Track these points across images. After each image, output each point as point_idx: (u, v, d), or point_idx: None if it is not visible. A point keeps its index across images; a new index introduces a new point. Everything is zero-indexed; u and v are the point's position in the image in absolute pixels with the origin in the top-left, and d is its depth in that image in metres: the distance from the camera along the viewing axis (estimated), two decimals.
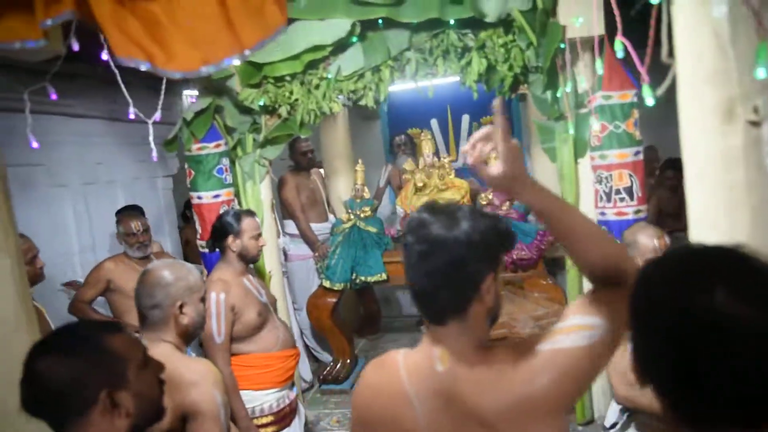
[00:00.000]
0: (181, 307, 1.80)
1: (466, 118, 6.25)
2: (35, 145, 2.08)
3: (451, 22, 3.08)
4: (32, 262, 2.82)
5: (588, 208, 3.17)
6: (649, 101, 1.54)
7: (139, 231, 3.44)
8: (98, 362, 1.18)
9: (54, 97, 2.23)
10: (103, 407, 1.16)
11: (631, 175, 2.89)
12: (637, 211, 2.94)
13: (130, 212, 3.58)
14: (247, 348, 2.70)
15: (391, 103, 5.98)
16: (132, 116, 2.52)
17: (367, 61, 3.22)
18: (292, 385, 2.90)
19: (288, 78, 3.31)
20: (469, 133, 6.34)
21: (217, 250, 2.86)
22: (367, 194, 4.30)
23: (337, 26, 3.06)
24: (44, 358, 1.16)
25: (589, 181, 3.17)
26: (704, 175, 1.28)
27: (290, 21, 3.11)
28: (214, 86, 3.21)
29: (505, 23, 3.08)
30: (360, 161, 4.39)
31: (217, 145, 3.32)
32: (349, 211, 4.23)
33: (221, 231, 2.80)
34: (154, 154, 2.55)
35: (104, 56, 1.69)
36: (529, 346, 1.10)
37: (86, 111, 4.54)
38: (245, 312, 2.65)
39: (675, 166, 4.55)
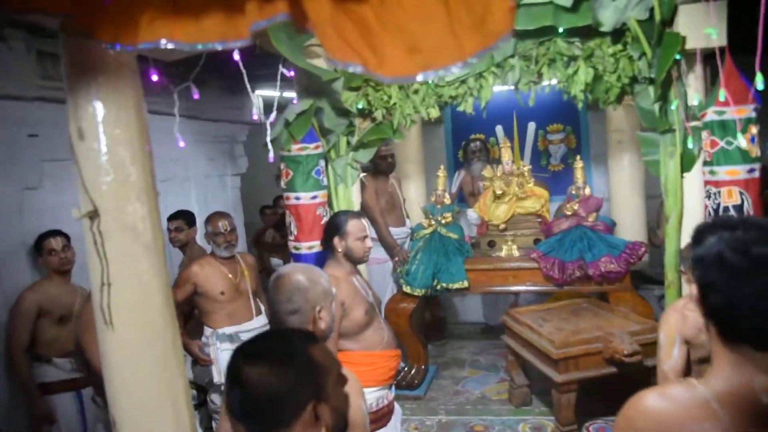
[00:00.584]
0: (319, 311, 1.80)
1: (531, 126, 6.18)
2: (182, 144, 2.10)
3: (560, 30, 3.04)
4: None
5: (693, 222, 3.10)
6: None
7: (227, 230, 3.46)
8: (308, 373, 1.17)
9: (196, 96, 2.27)
10: (307, 419, 1.15)
11: (742, 193, 2.81)
12: None
13: (218, 212, 3.62)
14: (352, 345, 2.70)
15: (454, 108, 5.96)
16: (255, 117, 2.55)
17: (471, 67, 3.19)
18: (391, 385, 2.89)
19: None
20: (535, 141, 6.28)
21: (326, 249, 2.88)
22: (447, 200, 4.28)
23: None
24: (256, 366, 1.15)
25: (694, 196, 3.10)
26: None
27: None
28: (315, 88, 3.22)
29: (615, 32, 3.03)
30: (442, 167, 4.38)
31: (316, 147, 3.33)
32: (430, 216, 4.21)
33: (328, 231, 2.83)
34: (271, 154, 2.58)
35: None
36: None
37: (166, 108, 4.61)
38: (353, 309, 2.66)
39: None
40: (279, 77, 2.79)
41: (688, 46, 2.84)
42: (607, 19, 2.88)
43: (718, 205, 2.85)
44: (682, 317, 2.58)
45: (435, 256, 4.02)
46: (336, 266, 2.76)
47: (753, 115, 2.80)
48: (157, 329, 1.95)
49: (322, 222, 3.35)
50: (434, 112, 3.43)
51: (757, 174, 2.84)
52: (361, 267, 4.40)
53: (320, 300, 1.82)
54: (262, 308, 3.64)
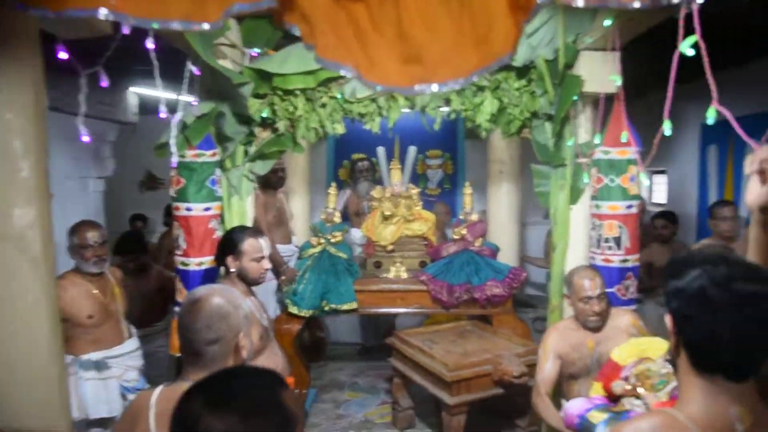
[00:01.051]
0: (241, 338, 1.63)
1: (412, 150, 6.31)
2: (86, 139, 1.79)
3: None
4: None
5: (578, 251, 3.33)
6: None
7: (97, 243, 3.04)
8: (283, 426, 1.02)
9: (104, 84, 1.96)
10: None
11: (620, 227, 3.08)
12: (624, 260, 3.13)
13: (86, 221, 3.16)
14: None
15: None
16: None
17: (468, 85, 3.16)
18: None
19: (297, 92, 3.16)
20: (414, 165, 6.43)
21: (219, 266, 2.67)
22: (338, 218, 4.18)
23: None
24: (224, 417, 0.98)
25: (580, 226, 3.34)
26: None
27: None
28: (220, 91, 2.97)
29: (521, 69, 3.19)
30: (333, 184, 4.28)
31: (213, 154, 3.06)
32: (320, 234, 4.08)
33: (222, 248, 2.63)
34: (175, 158, 2.32)
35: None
36: None
37: None
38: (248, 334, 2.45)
39: (666, 216, 4.63)
40: (187, 75, 2.52)
41: (585, 89, 3.07)
42: (520, 56, 3.02)
43: (600, 235, 3.10)
44: (559, 335, 2.79)
45: (324, 275, 3.90)
46: (228, 286, 2.54)
47: (634, 156, 3.08)
48: (41, 362, 1.61)
49: (214, 236, 3.09)
50: (340, 129, 3.34)
51: (634, 210, 3.12)
52: None
53: (242, 326, 1.63)
54: (133, 331, 3.25)
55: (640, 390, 2.19)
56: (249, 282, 2.60)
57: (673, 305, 1.12)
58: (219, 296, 1.63)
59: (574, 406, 2.39)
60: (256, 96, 3.14)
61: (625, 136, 2.45)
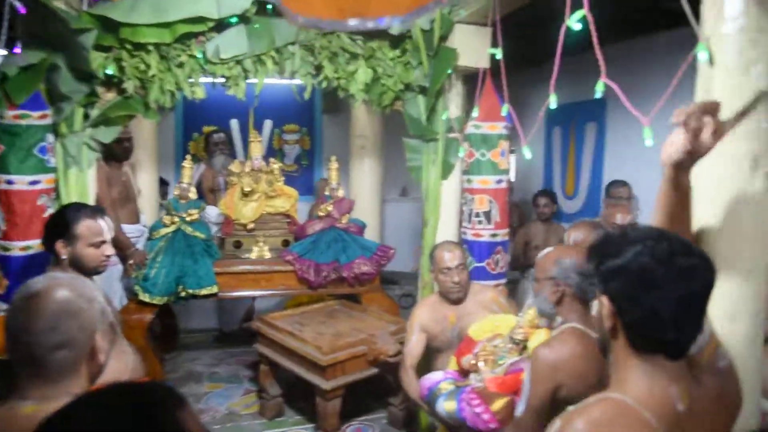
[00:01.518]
0: (97, 340, 1.32)
1: (268, 123, 6.01)
2: None
3: None
4: None
5: (449, 226, 3.35)
6: (648, 142, 1.72)
7: None
8: None
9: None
10: None
11: (491, 201, 3.14)
12: (493, 235, 3.20)
13: None
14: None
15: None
16: None
17: (251, 47, 2.86)
18: None
19: (150, 48, 2.74)
20: (270, 139, 6.11)
21: (48, 252, 2.21)
22: (193, 194, 3.79)
23: (231, 0, 2.66)
24: None
25: (451, 201, 3.35)
26: (728, 218, 1.47)
27: None
28: (53, 38, 2.46)
29: (395, 38, 3.09)
30: (188, 157, 3.86)
31: (43, 116, 2.56)
32: (174, 212, 3.66)
33: (50, 230, 2.16)
34: None
35: None
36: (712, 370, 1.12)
37: None
38: None
39: (549, 195, 4.53)
40: (6, 13, 2.02)
41: (459, 63, 3.05)
42: (396, 23, 2.89)
43: (471, 210, 3.14)
44: (426, 310, 2.79)
45: (179, 258, 3.50)
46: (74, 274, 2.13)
47: (504, 132, 3.15)
48: None
49: (45, 215, 2.60)
50: (200, 92, 2.97)
51: (504, 185, 3.20)
52: None
53: (97, 323, 1.31)
54: None
55: (480, 364, 2.23)
56: (86, 272, 2.12)
57: (613, 285, 1.07)
58: (66, 288, 1.28)
59: (428, 378, 2.39)
60: (99, 48, 2.66)
61: (506, 109, 2.45)
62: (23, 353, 1.25)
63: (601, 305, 1.10)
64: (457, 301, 2.69)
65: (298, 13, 0.99)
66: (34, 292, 1.27)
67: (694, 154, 1.15)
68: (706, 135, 1.11)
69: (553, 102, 2.12)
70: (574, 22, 1.97)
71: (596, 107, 4.80)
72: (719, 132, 1.12)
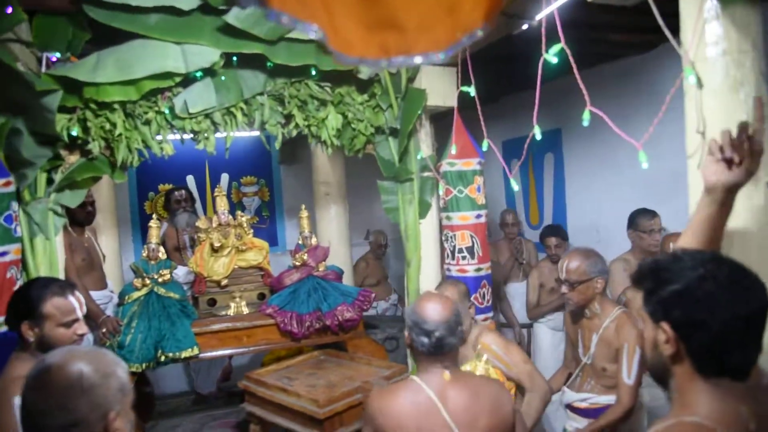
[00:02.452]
0: (113, 419, 1.21)
1: (225, 177, 5.92)
2: None
3: (313, 72, 2.96)
4: None
5: (430, 264, 3.34)
6: (645, 165, 1.78)
7: None
8: None
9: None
10: None
11: (472, 236, 3.16)
12: (478, 269, 3.21)
13: None
14: None
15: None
16: None
17: (219, 99, 2.83)
18: None
19: (116, 106, 2.66)
20: (228, 193, 6.00)
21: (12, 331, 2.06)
22: (163, 255, 3.64)
23: (199, 54, 2.63)
24: None
25: (429, 240, 3.35)
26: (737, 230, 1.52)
27: (131, 36, 2.58)
28: (16, 100, 2.35)
29: (362, 83, 3.11)
30: (155, 216, 3.74)
31: (6, 183, 2.42)
32: (144, 275, 3.50)
33: (14, 309, 1.99)
34: None
35: None
36: None
37: None
38: None
39: (559, 233, 4.15)
40: None
41: (428, 103, 3.10)
42: (366, 68, 2.93)
43: (454, 246, 3.14)
44: None
45: (156, 321, 3.33)
46: (26, 362, 1.89)
47: (478, 167, 3.20)
48: None
49: (16, 288, 2.43)
50: (168, 149, 2.90)
51: (483, 219, 3.23)
52: None
53: (115, 402, 1.21)
54: None
55: None
56: None
57: (676, 312, 1.06)
58: (81, 361, 1.19)
59: None
60: (62, 110, 2.57)
61: (486, 144, 2.49)
62: None
63: (658, 332, 1.08)
64: None
65: (346, 54, 0.98)
66: (46, 366, 1.19)
67: (744, 177, 1.22)
68: (745, 158, 1.16)
69: (537, 133, 2.17)
70: (551, 55, 2.04)
71: (552, 137, 4.96)
72: (758, 150, 1.17)
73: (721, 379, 1.05)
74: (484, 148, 2.51)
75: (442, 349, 1.82)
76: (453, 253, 3.18)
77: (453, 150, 3.04)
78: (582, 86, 1.98)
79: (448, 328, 1.82)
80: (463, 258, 3.16)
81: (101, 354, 1.26)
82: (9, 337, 2.34)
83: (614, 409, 2.46)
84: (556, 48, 2.02)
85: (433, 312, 1.85)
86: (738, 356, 1.04)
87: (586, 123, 1.95)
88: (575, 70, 1.99)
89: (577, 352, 2.73)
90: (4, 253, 2.39)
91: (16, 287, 2.41)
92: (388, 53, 0.98)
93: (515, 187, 2.27)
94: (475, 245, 3.17)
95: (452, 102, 3.13)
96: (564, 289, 2.60)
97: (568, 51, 2.00)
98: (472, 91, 2.62)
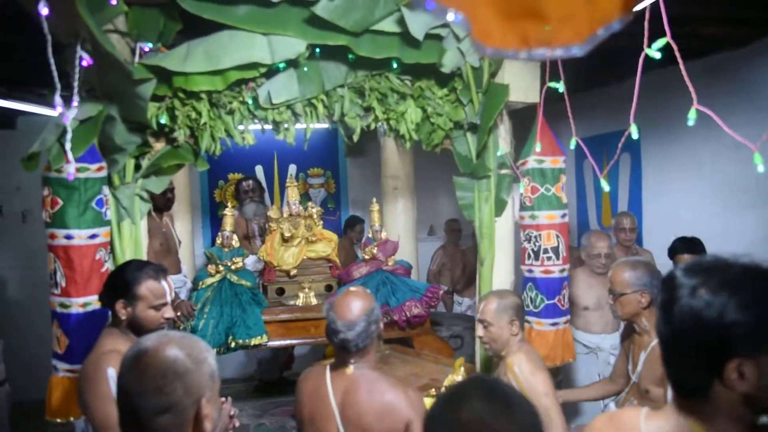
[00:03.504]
0: (203, 404, 1.22)
1: (292, 168, 5.99)
2: None
3: (394, 65, 2.93)
4: None
5: (504, 264, 3.25)
6: (761, 168, 1.65)
7: None
8: None
9: None
10: None
11: (558, 236, 3.05)
12: (562, 270, 3.09)
13: None
14: None
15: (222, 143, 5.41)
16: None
17: (302, 91, 2.83)
18: None
19: (202, 95, 2.70)
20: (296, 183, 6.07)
21: (105, 308, 2.15)
22: (236, 243, 3.71)
23: (286, 45, 2.63)
24: None
25: (504, 239, 3.27)
26: None
27: (220, 27, 2.61)
28: (110, 89, 2.42)
29: (442, 77, 3.05)
30: (230, 205, 3.81)
31: (99, 168, 2.50)
32: (218, 262, 3.58)
33: (111, 289, 2.09)
34: (72, 168, 1.79)
35: None
36: None
37: None
38: None
39: (692, 250, 3.62)
40: (77, 63, 1.98)
41: (509, 98, 3.01)
42: (449, 61, 2.87)
43: (539, 247, 3.03)
44: None
45: (228, 308, 3.40)
46: (117, 337, 2.05)
47: (563, 166, 3.09)
48: None
49: (103, 269, 2.52)
50: (250, 138, 2.93)
51: (567, 219, 3.12)
52: None
53: (206, 387, 1.22)
54: None
55: None
56: (141, 333, 2.06)
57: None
58: (176, 346, 1.21)
59: None
60: (152, 98, 2.63)
61: (574, 142, 2.38)
62: (129, 416, 1.18)
63: (746, 370, 0.97)
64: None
65: (485, 45, 0.93)
66: (143, 349, 1.20)
67: None
68: None
69: (634, 131, 2.05)
70: (655, 50, 1.93)
71: (630, 138, 4.76)
72: None
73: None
74: (572, 146, 2.40)
75: (346, 349, 1.95)
76: (537, 253, 3.07)
77: (537, 147, 2.95)
78: (688, 82, 1.86)
79: (354, 331, 1.92)
80: (548, 258, 3.05)
81: (194, 340, 1.27)
82: (98, 313, 2.43)
83: None
84: (660, 42, 1.90)
85: (343, 313, 1.96)
86: None
87: (691, 122, 1.82)
88: (681, 65, 1.87)
89: (627, 369, 2.60)
90: (94, 236, 2.47)
91: (104, 269, 2.50)
92: (527, 44, 0.93)
93: (606, 187, 2.16)
94: (560, 245, 3.07)
95: (534, 98, 3.03)
96: (609, 299, 2.51)
97: (674, 45, 1.88)
98: (560, 87, 2.51)
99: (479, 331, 2.46)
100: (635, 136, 2.08)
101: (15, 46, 3.38)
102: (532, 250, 3.07)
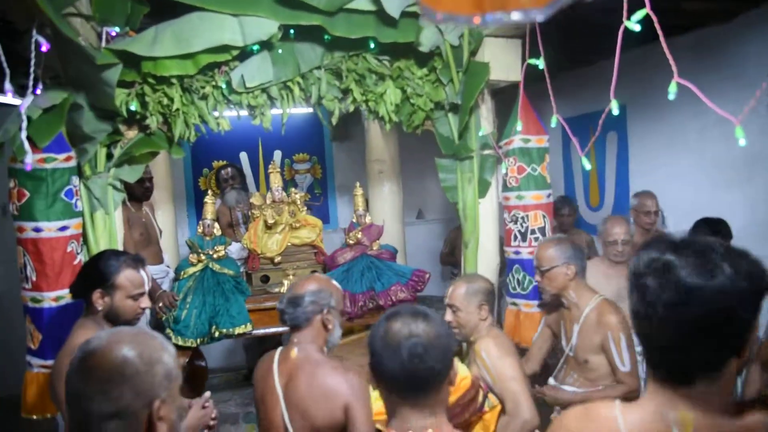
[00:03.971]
0: (158, 408, 1.14)
1: (278, 154, 5.90)
2: None
3: (371, 45, 2.85)
4: None
5: (489, 246, 3.21)
6: (742, 142, 1.61)
7: None
8: None
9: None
10: None
11: (544, 216, 3.01)
12: None
13: None
14: None
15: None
16: None
17: (276, 74, 2.76)
18: None
19: (173, 80, 2.62)
20: (282, 170, 5.99)
21: (78, 300, 2.09)
22: (218, 231, 3.65)
23: (257, 26, 2.55)
24: None
25: (488, 220, 3.22)
26: None
27: (189, 9, 2.53)
28: (76, 76, 2.34)
29: (421, 57, 2.98)
30: (210, 192, 3.74)
31: (67, 158, 2.43)
32: (199, 250, 3.51)
33: (87, 278, 2.05)
34: (29, 159, 1.71)
35: None
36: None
37: None
38: None
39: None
40: (33, 47, 1.90)
41: (490, 77, 2.95)
42: (427, 39, 2.80)
43: (526, 228, 2.98)
44: None
45: (210, 297, 3.35)
46: (90, 329, 1.97)
47: (547, 145, 3.04)
48: None
49: (76, 262, 2.46)
50: (225, 124, 2.86)
51: (551, 199, 3.07)
52: None
53: (161, 389, 1.14)
54: None
55: None
56: (118, 324, 2.02)
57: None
58: (126, 346, 1.13)
59: None
60: (121, 84, 2.55)
61: (555, 120, 2.32)
62: (77, 421, 1.11)
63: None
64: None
65: (434, 9, 0.86)
66: (90, 350, 1.13)
67: None
68: None
69: (615, 108, 2.00)
70: (635, 22, 1.87)
71: (616, 116, 4.71)
72: None
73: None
74: (553, 124, 2.34)
75: (284, 322, 2.04)
76: (524, 234, 3.02)
77: (518, 126, 2.89)
78: (669, 55, 1.81)
79: (288, 300, 2.02)
80: (536, 239, 2.99)
81: (148, 338, 1.18)
82: (71, 307, 2.38)
83: (617, 388, 2.33)
84: (640, 14, 1.85)
85: (292, 288, 2.09)
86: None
87: (671, 96, 1.77)
88: (662, 39, 1.81)
89: (560, 344, 2.60)
90: (64, 228, 2.41)
91: (76, 261, 2.44)
92: (481, 8, 0.86)
93: (587, 166, 2.12)
94: (546, 226, 3.03)
95: (516, 76, 2.97)
96: (537, 278, 2.53)
97: (654, 17, 1.83)
98: (540, 63, 2.45)
99: (448, 315, 2.41)
100: (616, 112, 2.04)
101: None
102: (519, 231, 3.02)
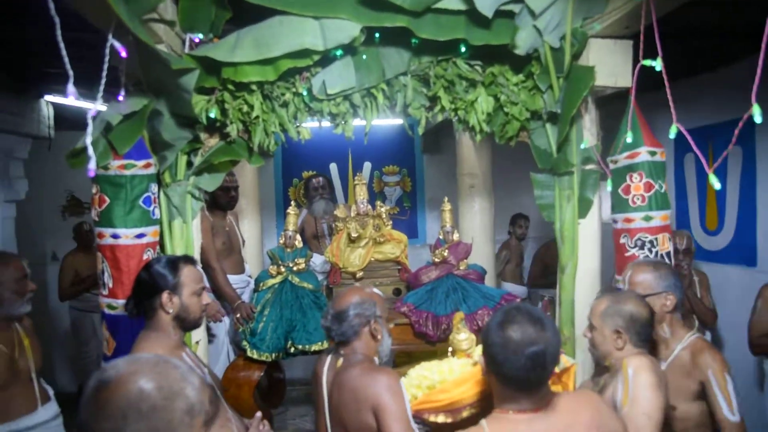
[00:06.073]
0: None
1: (367, 166, 5.81)
2: None
3: (462, 49, 2.63)
4: None
5: (589, 272, 2.86)
6: None
7: (28, 275, 2.52)
8: None
9: None
10: None
11: (670, 240, 2.63)
12: None
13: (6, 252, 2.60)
14: None
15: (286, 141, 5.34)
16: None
17: (360, 80, 2.60)
18: None
19: (253, 87, 2.54)
20: (370, 182, 5.89)
21: (140, 313, 2.04)
22: (299, 243, 3.56)
23: (338, 29, 2.42)
24: None
25: (588, 243, 2.87)
26: None
27: (271, 14, 2.43)
28: (154, 82, 2.31)
29: (517, 61, 2.72)
30: (293, 203, 3.66)
31: (147, 165, 2.40)
32: (280, 262, 3.44)
33: (150, 286, 1.98)
34: (93, 165, 1.63)
35: None
36: None
37: None
38: None
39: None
40: (107, 52, 1.86)
41: (596, 83, 2.63)
42: (523, 41, 2.54)
43: (656, 254, 2.59)
44: None
45: (288, 311, 3.26)
46: (159, 340, 1.94)
47: (665, 159, 2.67)
48: None
49: None
50: (305, 133, 2.74)
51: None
52: None
53: (181, 426, 0.99)
54: (50, 392, 2.57)
55: None
56: (188, 326, 2.01)
57: None
58: (145, 377, 0.99)
59: None
60: (201, 91, 2.50)
61: (674, 130, 1.97)
62: None
63: None
64: None
65: None
66: (104, 381, 0.98)
67: None
68: None
69: (757, 115, 1.64)
70: None
71: (743, 129, 4.15)
72: None
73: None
74: (671, 135, 2.00)
75: (331, 339, 2.10)
76: None
77: (629, 137, 2.55)
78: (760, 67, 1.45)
79: (333, 316, 2.06)
80: None
81: (169, 367, 1.04)
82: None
83: None
84: None
85: (334, 303, 2.12)
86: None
87: (758, 119, 1.43)
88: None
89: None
90: (141, 235, 2.37)
91: None
92: None
93: (716, 185, 1.75)
94: (672, 252, 2.65)
95: (625, 82, 2.63)
96: None
97: None
98: (658, 65, 2.11)
99: (586, 330, 2.11)
100: (758, 119, 1.68)
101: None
102: (645, 257, 2.61)
